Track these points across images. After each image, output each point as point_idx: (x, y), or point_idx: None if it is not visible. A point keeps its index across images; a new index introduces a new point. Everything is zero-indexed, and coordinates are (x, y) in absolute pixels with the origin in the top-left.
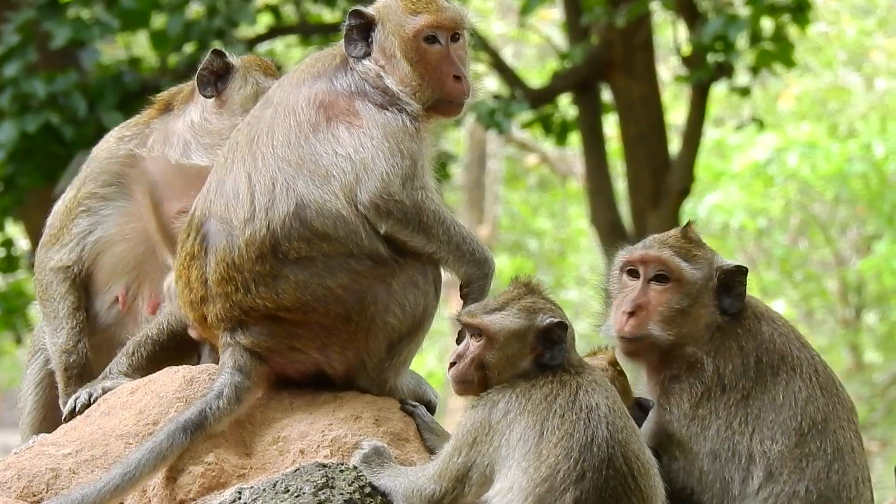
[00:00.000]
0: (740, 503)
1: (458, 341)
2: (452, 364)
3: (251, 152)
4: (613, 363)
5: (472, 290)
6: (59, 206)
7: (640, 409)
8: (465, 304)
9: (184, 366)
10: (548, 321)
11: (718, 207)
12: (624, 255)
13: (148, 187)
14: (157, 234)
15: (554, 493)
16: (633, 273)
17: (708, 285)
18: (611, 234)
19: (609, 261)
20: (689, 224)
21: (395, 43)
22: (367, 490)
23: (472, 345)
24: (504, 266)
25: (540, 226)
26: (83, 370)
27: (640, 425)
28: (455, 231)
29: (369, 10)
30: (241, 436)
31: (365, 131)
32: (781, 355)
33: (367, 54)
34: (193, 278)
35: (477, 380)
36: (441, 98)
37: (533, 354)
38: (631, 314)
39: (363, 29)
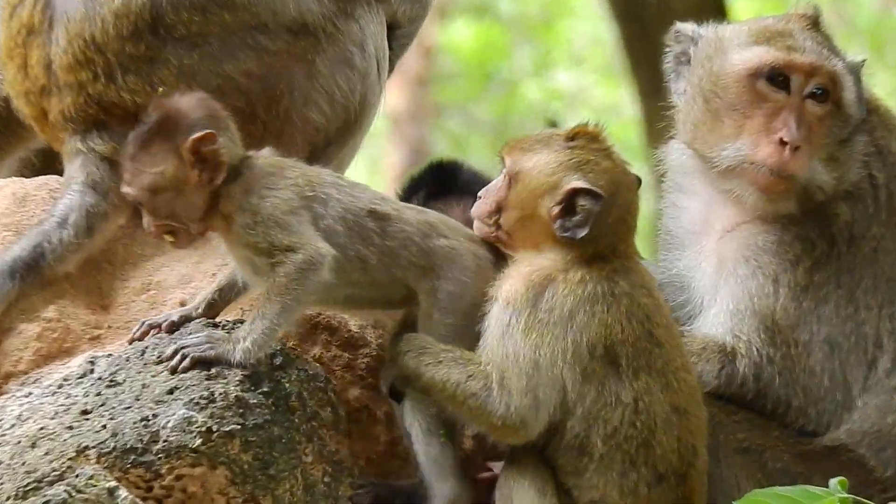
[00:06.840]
0: (859, 401)
1: None
2: None
3: None
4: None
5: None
6: None
7: None
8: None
9: (13, 178)
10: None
11: None
12: (771, 54)
13: None
14: None
15: None
16: (779, 83)
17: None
18: None
19: (705, 42)
20: (815, 7)
21: None
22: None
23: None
24: None
25: None
26: None
27: None
28: None
29: None
30: (97, 281)
31: None
32: None
33: None
34: (33, 60)
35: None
36: None
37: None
38: (795, 146)
39: None
